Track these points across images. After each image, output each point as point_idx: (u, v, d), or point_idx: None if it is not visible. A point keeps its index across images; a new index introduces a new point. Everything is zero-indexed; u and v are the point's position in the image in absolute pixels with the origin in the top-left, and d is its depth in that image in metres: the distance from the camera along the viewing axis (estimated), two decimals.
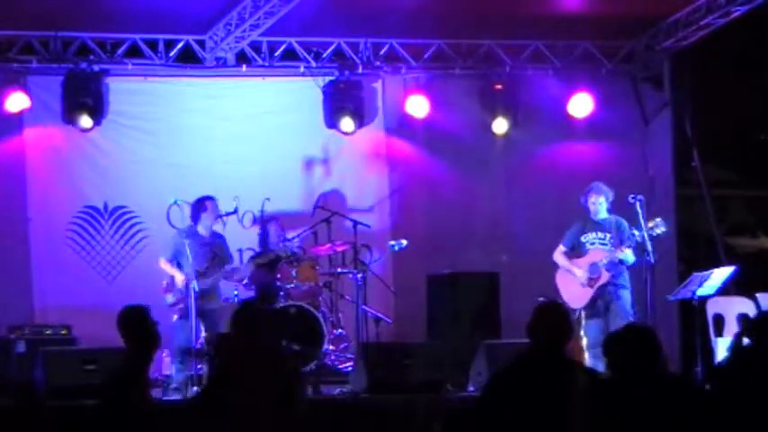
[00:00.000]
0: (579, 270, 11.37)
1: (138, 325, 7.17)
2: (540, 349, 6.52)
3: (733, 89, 15.20)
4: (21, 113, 12.80)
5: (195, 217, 11.62)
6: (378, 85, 13.71)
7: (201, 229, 11.59)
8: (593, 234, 11.46)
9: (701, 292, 11.37)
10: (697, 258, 14.20)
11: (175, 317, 11.29)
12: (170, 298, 11.39)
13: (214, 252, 11.58)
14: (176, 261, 11.46)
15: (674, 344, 12.82)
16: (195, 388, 10.54)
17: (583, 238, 11.49)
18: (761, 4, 12.39)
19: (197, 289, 11.14)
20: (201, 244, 11.48)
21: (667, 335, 12.05)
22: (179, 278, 11.35)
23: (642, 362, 6.35)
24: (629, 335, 6.56)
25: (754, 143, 16.25)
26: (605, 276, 11.28)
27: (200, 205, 11.63)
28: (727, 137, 15.74)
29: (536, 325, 6.59)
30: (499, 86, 13.66)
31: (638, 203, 11.12)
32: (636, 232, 11.19)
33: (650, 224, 11.11)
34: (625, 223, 11.43)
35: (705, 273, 11.50)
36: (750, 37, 14.14)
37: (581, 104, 13.75)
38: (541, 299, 9.06)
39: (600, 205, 11.43)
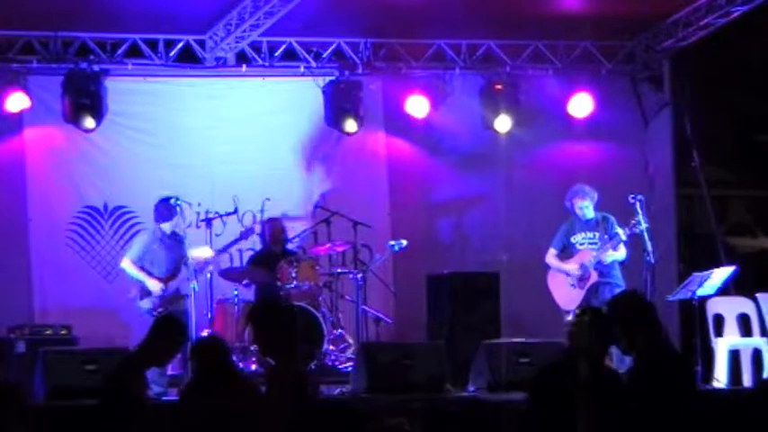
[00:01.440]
0: (571, 269, 11.43)
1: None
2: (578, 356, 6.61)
3: (733, 89, 15.20)
4: (21, 113, 12.78)
5: (165, 218, 11.36)
6: (378, 85, 13.70)
7: (167, 230, 11.37)
8: (582, 234, 11.54)
9: (700, 292, 11.38)
10: (697, 258, 14.18)
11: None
12: (146, 303, 11.14)
13: (179, 254, 11.37)
14: (142, 263, 11.23)
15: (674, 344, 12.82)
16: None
17: (572, 239, 11.57)
18: (761, 4, 12.40)
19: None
20: (168, 246, 11.32)
21: None
22: (151, 283, 11.12)
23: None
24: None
25: (754, 143, 16.24)
26: (594, 276, 11.33)
27: (173, 208, 11.40)
28: (727, 137, 15.74)
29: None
30: (499, 86, 13.64)
31: (638, 203, 11.13)
32: (619, 230, 11.25)
33: (632, 221, 11.15)
34: (612, 219, 11.52)
35: (705, 273, 11.52)
36: (750, 37, 14.14)
37: (581, 104, 13.74)
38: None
39: (586, 209, 11.51)
